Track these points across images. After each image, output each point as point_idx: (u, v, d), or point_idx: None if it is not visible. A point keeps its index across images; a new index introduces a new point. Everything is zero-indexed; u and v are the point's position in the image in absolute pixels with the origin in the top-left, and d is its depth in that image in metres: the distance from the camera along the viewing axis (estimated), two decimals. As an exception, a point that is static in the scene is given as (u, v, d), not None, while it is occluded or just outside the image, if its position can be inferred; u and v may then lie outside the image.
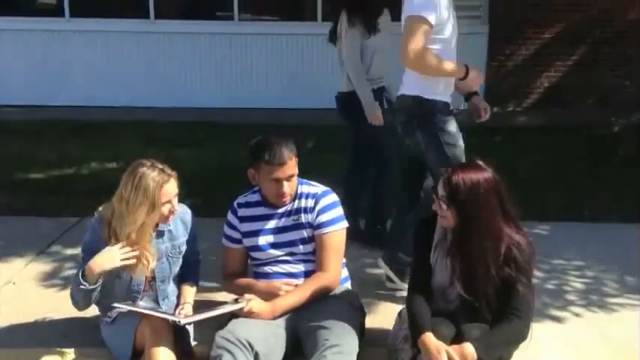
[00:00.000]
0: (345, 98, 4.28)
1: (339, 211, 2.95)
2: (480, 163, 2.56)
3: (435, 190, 2.57)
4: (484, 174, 2.49)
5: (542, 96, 10.42)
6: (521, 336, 2.53)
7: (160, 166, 2.77)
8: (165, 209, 2.77)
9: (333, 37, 4.35)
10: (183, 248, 2.96)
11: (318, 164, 5.80)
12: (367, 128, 4.15)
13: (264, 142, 2.83)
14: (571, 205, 5.21)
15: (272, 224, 2.93)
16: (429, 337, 2.46)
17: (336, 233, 2.90)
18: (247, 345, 2.53)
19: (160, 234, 2.88)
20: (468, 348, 2.40)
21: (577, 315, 3.38)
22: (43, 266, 3.99)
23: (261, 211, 2.95)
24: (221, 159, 6.77)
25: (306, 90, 10.15)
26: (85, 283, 2.70)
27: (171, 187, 2.77)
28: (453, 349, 2.41)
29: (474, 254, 2.48)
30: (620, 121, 8.83)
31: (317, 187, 2.97)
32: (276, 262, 2.93)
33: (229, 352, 2.50)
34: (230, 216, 3.02)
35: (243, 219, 2.97)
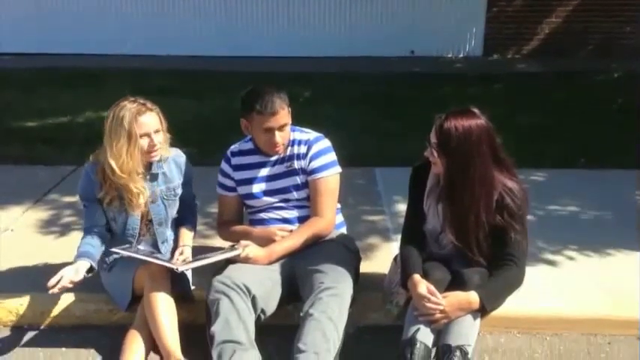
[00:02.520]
0: None
1: (332, 156, 2.93)
2: (474, 110, 2.51)
3: (428, 137, 2.55)
4: (477, 121, 2.45)
5: (542, 42, 10.30)
6: (518, 282, 2.56)
7: (142, 101, 2.76)
8: (144, 143, 2.73)
9: None
10: (179, 191, 2.96)
11: (315, 113, 5.77)
12: None
13: (255, 92, 2.79)
14: (568, 152, 5.21)
15: (265, 172, 2.92)
16: (417, 279, 2.49)
17: (330, 178, 2.89)
18: (244, 289, 2.56)
19: (154, 177, 2.87)
20: (473, 296, 2.43)
21: (572, 260, 3.41)
22: (41, 214, 4.01)
23: (254, 159, 2.94)
24: (217, 107, 6.72)
25: (304, 38, 10.03)
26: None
27: (148, 120, 2.73)
28: (458, 297, 2.43)
29: (464, 201, 2.48)
30: (620, 67, 8.74)
31: (309, 134, 2.95)
32: (271, 208, 2.93)
33: (227, 295, 2.53)
34: (223, 164, 3.01)
35: (236, 167, 2.96)
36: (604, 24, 9.95)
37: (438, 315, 2.42)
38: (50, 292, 2.58)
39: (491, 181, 2.48)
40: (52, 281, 2.58)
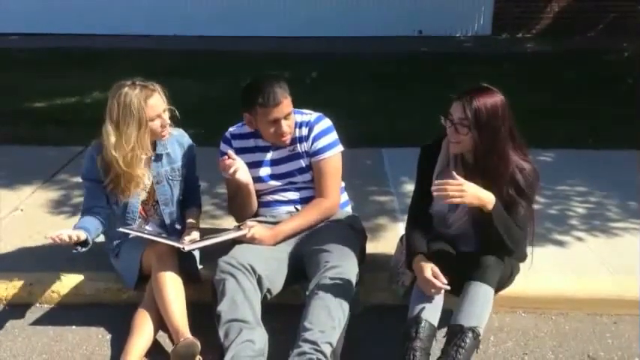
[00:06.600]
0: None
1: (334, 135, 2.92)
2: (489, 86, 2.51)
3: (449, 115, 2.52)
4: (499, 96, 2.47)
5: (552, 21, 10.17)
6: (518, 241, 2.53)
7: (142, 83, 2.74)
8: (157, 124, 2.75)
9: None
10: (183, 171, 2.97)
11: (322, 93, 5.76)
12: None
13: (255, 85, 2.77)
14: (576, 132, 5.18)
15: (269, 156, 2.91)
16: (421, 259, 2.50)
17: (333, 158, 2.89)
18: (250, 269, 2.58)
19: (158, 157, 2.88)
20: (492, 196, 2.39)
21: (579, 240, 3.41)
22: (49, 194, 4.04)
23: (256, 142, 2.92)
24: (224, 88, 6.71)
25: (311, 18, 9.94)
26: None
27: (157, 101, 2.73)
28: (479, 187, 2.38)
29: (490, 177, 2.47)
30: (631, 47, 8.65)
31: (310, 115, 2.93)
32: (276, 191, 2.94)
33: (232, 275, 2.55)
34: (223, 146, 2.96)
35: (238, 150, 2.92)
36: (615, 2, 9.82)
37: (455, 193, 2.35)
38: (48, 238, 2.53)
39: (509, 157, 2.49)
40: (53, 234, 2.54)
